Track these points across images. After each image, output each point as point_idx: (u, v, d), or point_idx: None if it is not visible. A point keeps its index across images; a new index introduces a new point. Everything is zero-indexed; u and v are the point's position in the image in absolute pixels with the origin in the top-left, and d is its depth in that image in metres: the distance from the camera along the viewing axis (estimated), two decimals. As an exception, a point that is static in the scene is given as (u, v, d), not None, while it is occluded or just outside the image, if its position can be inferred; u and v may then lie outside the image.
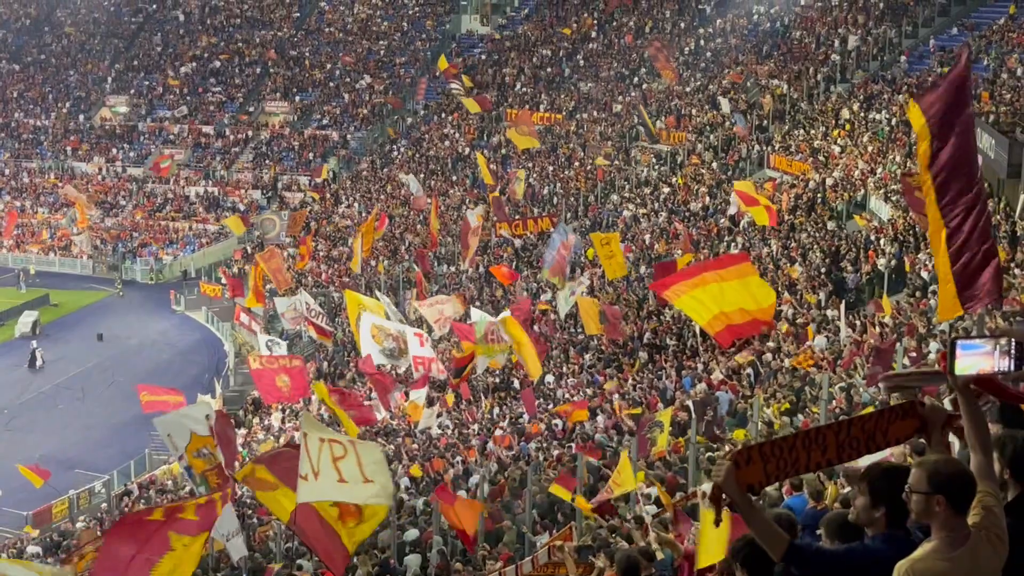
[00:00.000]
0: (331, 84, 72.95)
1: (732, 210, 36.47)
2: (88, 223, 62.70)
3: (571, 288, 30.33)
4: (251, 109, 73.31)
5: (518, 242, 43.58)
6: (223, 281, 52.38)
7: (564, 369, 29.91)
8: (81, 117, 74.98)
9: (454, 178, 56.41)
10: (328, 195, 61.42)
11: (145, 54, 79.66)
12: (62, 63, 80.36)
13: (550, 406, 27.07)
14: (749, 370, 23.73)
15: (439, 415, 28.92)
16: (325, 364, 39.27)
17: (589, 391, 27.27)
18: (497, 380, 31.09)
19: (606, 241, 31.43)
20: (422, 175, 55.23)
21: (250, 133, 70.92)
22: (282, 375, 31.01)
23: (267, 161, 68.12)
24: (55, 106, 76.04)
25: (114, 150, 71.44)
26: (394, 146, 65.05)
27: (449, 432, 28.14)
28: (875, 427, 5.32)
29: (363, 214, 53.96)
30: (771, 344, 24.72)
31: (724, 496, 4.94)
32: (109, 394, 40.83)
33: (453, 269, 44.48)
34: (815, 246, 31.29)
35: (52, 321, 51.33)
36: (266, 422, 34.36)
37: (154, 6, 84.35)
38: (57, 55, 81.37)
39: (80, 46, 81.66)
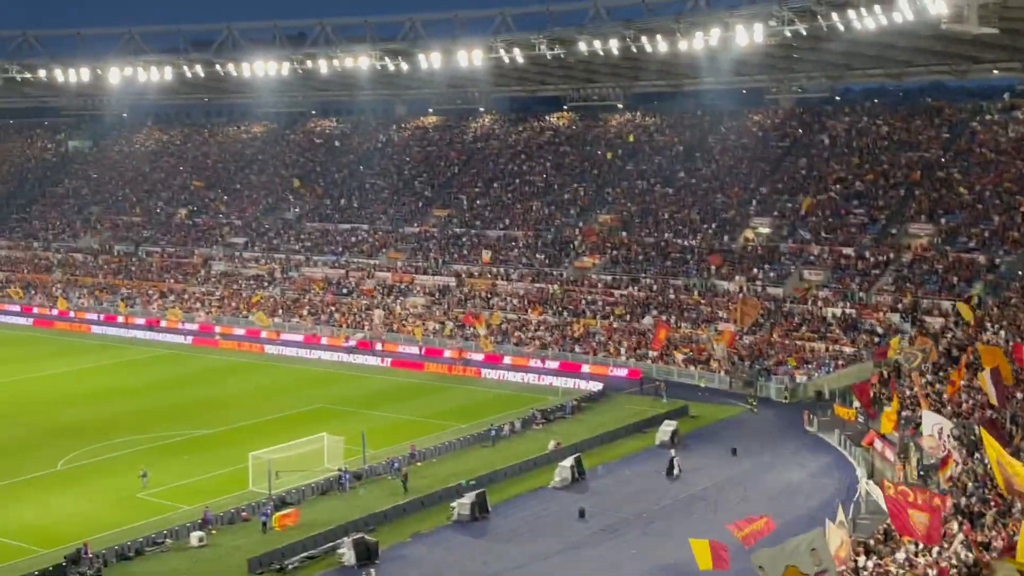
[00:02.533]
0: (980, 206, 69.82)
1: None
2: (731, 338, 65.07)
3: None
4: (893, 231, 72.16)
5: None
6: (856, 405, 51.46)
7: None
8: (725, 238, 78.27)
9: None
10: (973, 321, 58.31)
11: (790, 177, 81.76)
12: (711, 187, 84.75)
13: None
14: None
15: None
16: (963, 499, 36.83)
17: None
18: None
19: None
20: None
21: (891, 255, 69.71)
22: (918, 512, 29.38)
23: (908, 284, 66.44)
24: (701, 227, 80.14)
25: (755, 269, 73.60)
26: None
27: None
28: None
29: (1009, 343, 50.45)
30: None
31: None
32: (740, 508, 41.42)
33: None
34: None
35: (690, 432, 53.42)
36: (896, 555, 32.77)
37: (801, 131, 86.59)
38: (707, 179, 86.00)
39: (728, 170, 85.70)
